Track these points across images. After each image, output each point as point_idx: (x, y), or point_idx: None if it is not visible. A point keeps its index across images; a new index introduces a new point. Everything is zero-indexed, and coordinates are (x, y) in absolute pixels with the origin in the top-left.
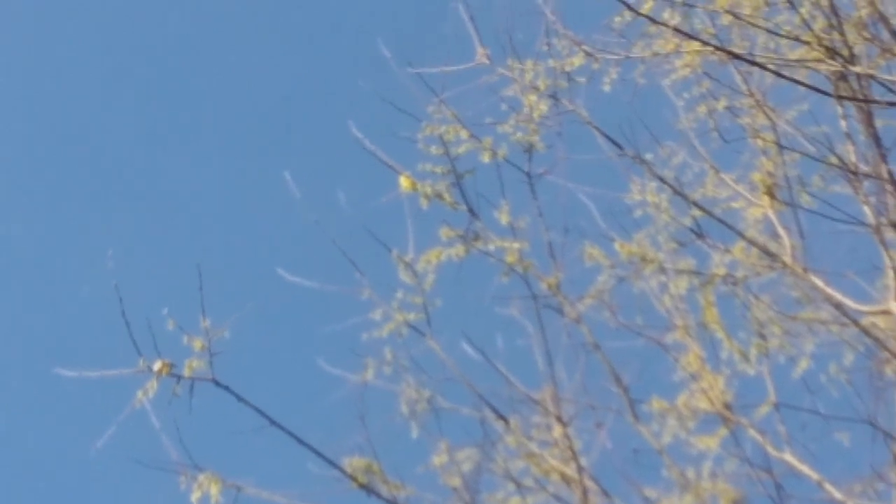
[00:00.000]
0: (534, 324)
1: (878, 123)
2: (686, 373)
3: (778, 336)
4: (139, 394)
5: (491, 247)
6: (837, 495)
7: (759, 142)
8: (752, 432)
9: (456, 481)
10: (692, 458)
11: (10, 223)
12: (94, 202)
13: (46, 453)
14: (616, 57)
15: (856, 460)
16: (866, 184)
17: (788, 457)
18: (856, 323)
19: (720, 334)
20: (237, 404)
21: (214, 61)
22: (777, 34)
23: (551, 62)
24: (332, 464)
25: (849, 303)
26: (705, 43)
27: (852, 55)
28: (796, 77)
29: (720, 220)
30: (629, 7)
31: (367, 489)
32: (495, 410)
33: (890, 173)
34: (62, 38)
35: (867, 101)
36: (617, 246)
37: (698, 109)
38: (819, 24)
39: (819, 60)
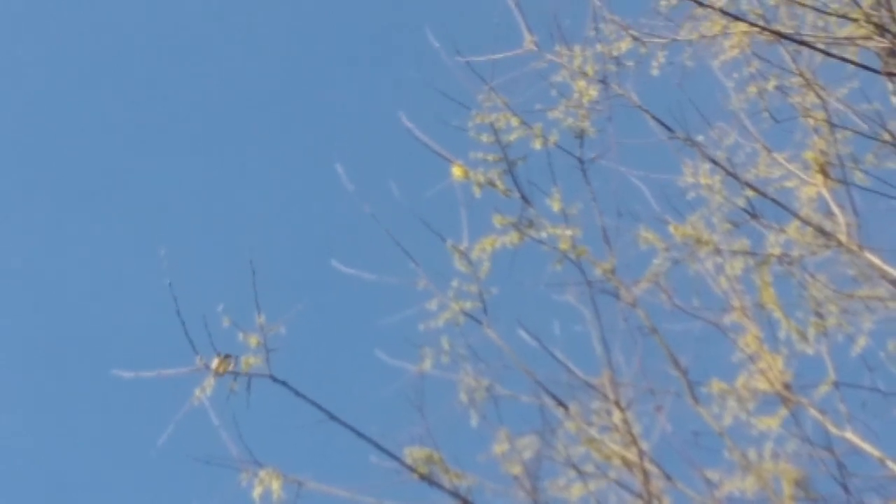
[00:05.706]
0: (590, 309)
1: None
2: (744, 354)
3: (835, 314)
4: (197, 392)
5: (544, 234)
6: None
7: (811, 120)
8: (812, 411)
9: (517, 469)
10: (753, 439)
11: (64, 224)
12: (147, 200)
13: (108, 455)
14: (663, 41)
15: None
16: None
17: (850, 435)
18: None
19: (777, 314)
20: (295, 399)
21: (267, 53)
22: (824, 12)
23: (599, 47)
24: (393, 456)
25: None
26: (752, 24)
27: None
28: (845, 55)
29: (774, 200)
30: None
31: (429, 480)
32: (554, 397)
33: None
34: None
35: None
36: (671, 228)
37: (748, 90)
38: (867, 0)
39: (867, 38)
